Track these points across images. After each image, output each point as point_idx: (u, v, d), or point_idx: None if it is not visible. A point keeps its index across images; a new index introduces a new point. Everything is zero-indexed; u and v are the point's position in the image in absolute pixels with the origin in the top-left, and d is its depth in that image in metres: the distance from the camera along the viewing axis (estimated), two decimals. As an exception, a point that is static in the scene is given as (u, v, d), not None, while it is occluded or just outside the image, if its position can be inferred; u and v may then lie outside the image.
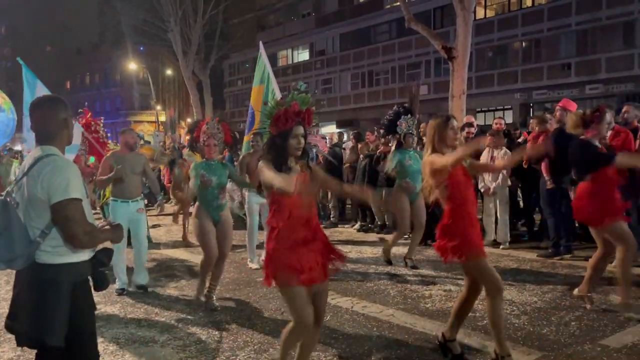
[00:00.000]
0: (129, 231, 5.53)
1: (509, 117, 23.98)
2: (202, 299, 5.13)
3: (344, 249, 7.63)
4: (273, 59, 37.06)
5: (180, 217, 8.77)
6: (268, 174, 2.91)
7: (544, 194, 6.77)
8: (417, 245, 6.68)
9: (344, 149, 10.40)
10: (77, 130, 5.77)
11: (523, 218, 8.30)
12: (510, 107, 25.86)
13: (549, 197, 6.68)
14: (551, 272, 6.07)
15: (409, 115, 6.41)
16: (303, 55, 37.38)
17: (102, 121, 8.09)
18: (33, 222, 2.39)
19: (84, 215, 2.41)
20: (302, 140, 3.02)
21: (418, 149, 6.51)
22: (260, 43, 6.93)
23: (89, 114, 7.83)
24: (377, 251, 7.49)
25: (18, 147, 14.28)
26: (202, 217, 5.03)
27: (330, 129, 29.20)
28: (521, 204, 8.23)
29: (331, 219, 10.02)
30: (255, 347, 4.05)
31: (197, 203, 5.15)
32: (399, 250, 6.86)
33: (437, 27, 25.79)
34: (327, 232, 8.95)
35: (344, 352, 3.90)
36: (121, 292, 5.58)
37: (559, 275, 5.93)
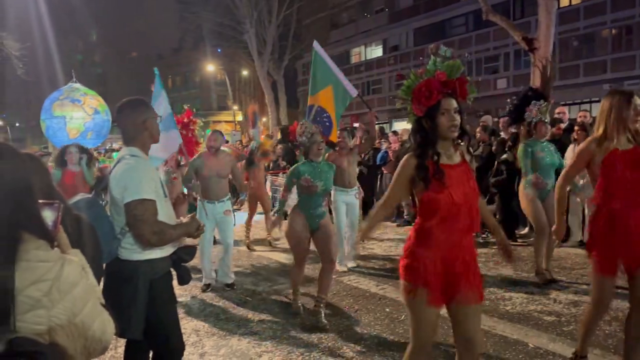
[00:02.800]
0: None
1: (596, 111, 22.49)
2: (299, 304, 4.91)
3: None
4: (346, 57, 37.10)
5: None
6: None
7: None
8: (552, 252, 5.67)
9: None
10: (174, 140, 5.76)
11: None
12: (597, 99, 24.19)
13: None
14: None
15: (541, 100, 5.56)
16: (376, 51, 37.06)
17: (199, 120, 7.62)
18: (116, 220, 2.52)
19: (154, 216, 2.47)
20: (457, 117, 2.38)
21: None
22: (315, 42, 6.45)
23: (191, 113, 7.45)
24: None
25: (116, 146, 15.08)
26: (297, 224, 4.58)
27: (404, 125, 28.82)
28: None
29: (405, 216, 9.87)
30: (330, 344, 4.07)
31: (293, 207, 4.74)
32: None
33: (516, 17, 24.68)
34: (400, 230, 8.90)
35: (420, 353, 3.82)
36: (206, 288, 5.70)
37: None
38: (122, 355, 2.82)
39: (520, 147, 5.56)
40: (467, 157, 2.54)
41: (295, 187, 4.66)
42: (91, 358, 1.43)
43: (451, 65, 2.47)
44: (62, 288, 1.31)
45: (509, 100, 5.98)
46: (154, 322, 2.53)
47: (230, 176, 5.88)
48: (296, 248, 4.69)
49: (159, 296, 2.55)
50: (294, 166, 4.70)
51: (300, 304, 4.90)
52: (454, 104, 2.40)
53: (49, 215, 1.43)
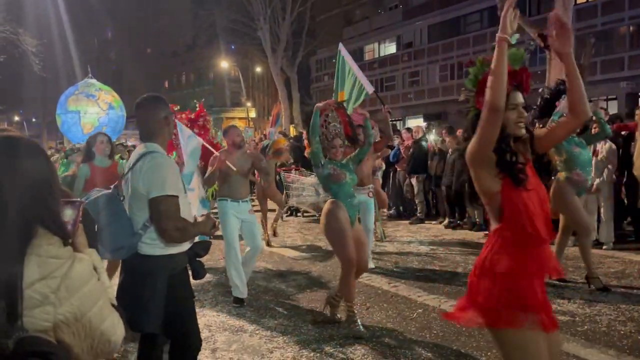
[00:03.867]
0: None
1: (613, 108, 22.16)
2: (339, 316, 4.47)
3: (432, 245, 7.49)
4: (359, 53, 36.96)
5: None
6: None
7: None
8: (589, 254, 5.25)
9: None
10: (194, 142, 5.39)
11: (629, 216, 7.65)
12: (615, 97, 23.89)
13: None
14: (663, 276, 5.54)
15: None
16: (390, 48, 36.90)
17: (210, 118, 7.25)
18: (136, 215, 2.53)
19: (177, 212, 2.50)
20: (524, 113, 2.14)
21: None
22: (341, 45, 6.38)
23: (203, 110, 7.09)
24: (466, 249, 7.26)
25: (131, 142, 15.01)
26: (338, 215, 4.13)
27: (417, 122, 28.70)
28: (625, 200, 7.59)
29: (417, 214, 9.83)
30: (341, 340, 4.07)
31: (330, 199, 4.31)
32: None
33: (532, 14, 24.39)
34: (413, 228, 8.87)
35: (432, 351, 3.81)
36: (239, 302, 5.09)
37: (672, 280, 5.40)
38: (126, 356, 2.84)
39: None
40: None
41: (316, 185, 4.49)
42: (98, 359, 1.42)
43: (514, 53, 2.15)
44: (70, 286, 1.31)
45: (540, 90, 5.77)
46: (173, 317, 2.57)
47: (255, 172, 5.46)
48: (342, 240, 4.11)
49: (178, 291, 2.59)
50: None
51: (337, 316, 4.41)
52: (521, 98, 2.15)
53: (69, 214, 1.44)
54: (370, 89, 6.19)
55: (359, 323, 4.20)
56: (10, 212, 1.28)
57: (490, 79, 1.98)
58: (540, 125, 6.31)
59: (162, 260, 2.54)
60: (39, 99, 42.84)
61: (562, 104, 4.99)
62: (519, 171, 2.06)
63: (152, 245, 2.53)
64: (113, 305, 1.46)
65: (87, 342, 1.34)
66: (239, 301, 5.08)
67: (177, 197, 2.51)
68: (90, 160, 5.08)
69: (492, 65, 1.99)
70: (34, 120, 50.84)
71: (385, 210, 8.19)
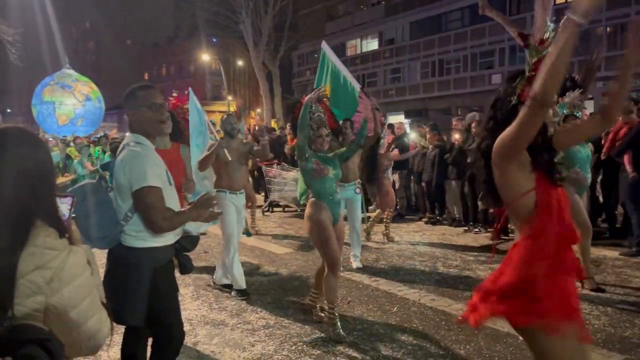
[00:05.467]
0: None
1: (589, 108, 22.58)
2: (322, 314, 4.35)
3: (412, 240, 7.56)
4: (341, 49, 36.99)
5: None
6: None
7: (628, 189, 6.36)
8: (590, 254, 5.25)
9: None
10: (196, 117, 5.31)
11: (603, 214, 7.83)
12: (591, 96, 24.36)
13: (634, 192, 6.27)
14: (635, 272, 5.69)
15: (577, 90, 4.94)
16: (372, 44, 37.01)
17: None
18: (120, 206, 2.53)
19: (162, 202, 2.49)
20: (557, 110, 2.08)
21: None
22: (324, 42, 6.22)
23: (181, 100, 6.76)
24: (446, 244, 7.35)
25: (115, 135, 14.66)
26: (323, 214, 4.03)
27: (398, 119, 28.85)
28: (601, 198, 7.77)
29: (398, 210, 9.90)
30: (322, 334, 4.10)
31: (312, 198, 4.20)
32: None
33: (512, 13, 24.72)
34: (394, 223, 8.93)
35: (412, 344, 3.86)
36: (244, 294, 5.10)
37: (643, 275, 5.56)
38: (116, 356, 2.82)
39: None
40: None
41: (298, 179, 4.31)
42: (80, 355, 1.42)
43: (534, 48, 2.05)
44: (63, 278, 1.31)
45: None
46: (156, 309, 2.55)
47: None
48: (327, 244, 4.01)
49: (162, 284, 2.57)
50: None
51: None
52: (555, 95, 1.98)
53: (62, 208, 1.44)
54: (357, 85, 6.15)
55: (339, 326, 4.05)
56: (8, 204, 1.27)
57: (550, 68, 1.75)
58: None
59: (146, 253, 2.53)
60: (15, 89, 41.95)
61: (566, 100, 4.86)
62: (557, 170, 2.01)
63: (136, 237, 2.52)
64: (102, 303, 1.46)
65: (72, 336, 1.34)
66: (244, 293, 5.08)
67: (159, 187, 2.50)
68: None
69: (556, 53, 1.74)
70: (8, 110, 49.77)
71: (390, 210, 7.81)
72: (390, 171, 8.14)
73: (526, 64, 2.04)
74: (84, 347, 1.39)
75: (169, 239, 2.60)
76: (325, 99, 4.62)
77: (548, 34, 2.10)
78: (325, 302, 4.24)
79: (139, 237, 2.52)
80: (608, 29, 24.02)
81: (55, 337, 1.25)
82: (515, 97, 2.03)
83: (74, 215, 1.53)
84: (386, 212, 7.71)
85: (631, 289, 5.05)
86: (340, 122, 5.86)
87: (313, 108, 4.21)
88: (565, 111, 4.92)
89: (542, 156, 1.99)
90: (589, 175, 5.17)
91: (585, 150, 5.23)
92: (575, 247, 5.35)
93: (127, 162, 2.49)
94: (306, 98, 4.24)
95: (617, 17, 23.13)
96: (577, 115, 5.09)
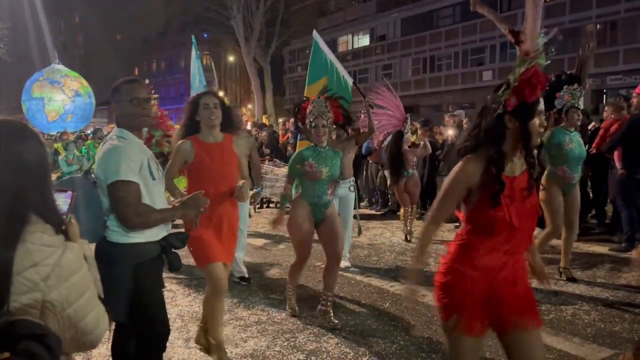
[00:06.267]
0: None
1: (580, 103, 22.75)
2: (295, 304, 4.49)
3: (404, 236, 7.57)
4: (333, 45, 36.89)
5: None
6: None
7: (618, 185, 6.42)
8: (571, 250, 5.37)
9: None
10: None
11: (593, 209, 7.90)
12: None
13: (623, 188, 6.33)
14: (625, 267, 5.75)
15: (575, 85, 5.01)
16: (363, 40, 36.98)
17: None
18: (103, 200, 2.51)
19: (136, 198, 2.44)
20: (543, 120, 2.07)
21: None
22: (315, 32, 6.16)
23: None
24: (437, 240, 7.36)
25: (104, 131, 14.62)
26: (300, 215, 4.10)
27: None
28: (591, 194, 7.83)
29: (389, 206, 9.93)
30: (315, 330, 4.10)
31: (298, 195, 4.24)
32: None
33: (503, 10, 24.80)
34: (385, 219, 8.93)
35: (404, 340, 3.87)
36: (244, 280, 5.42)
37: (633, 270, 5.61)
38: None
39: (547, 137, 4.94)
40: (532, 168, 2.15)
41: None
42: (79, 350, 1.41)
43: (521, 59, 2.06)
44: (60, 274, 1.30)
45: None
46: (138, 306, 2.51)
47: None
48: (299, 242, 4.20)
49: (143, 280, 2.52)
50: (297, 151, 4.35)
51: (295, 305, 4.46)
52: (542, 104, 2.07)
53: (61, 203, 1.43)
54: (349, 79, 6.12)
55: (332, 313, 4.19)
56: (3, 198, 1.25)
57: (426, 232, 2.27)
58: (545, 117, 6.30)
59: (126, 249, 2.49)
60: (3, 85, 41.46)
61: (564, 95, 5.01)
62: (494, 185, 2.05)
63: (118, 233, 2.49)
64: (100, 298, 1.44)
65: (70, 333, 1.33)
66: (247, 280, 5.44)
67: (135, 182, 2.44)
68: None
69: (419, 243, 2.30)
70: (-4, 106, 49.19)
71: (414, 206, 7.64)
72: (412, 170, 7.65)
73: (512, 74, 2.05)
74: (82, 342, 1.39)
75: (151, 234, 2.54)
76: (334, 96, 4.44)
77: (540, 45, 2.12)
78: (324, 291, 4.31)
79: (120, 233, 2.48)
80: (598, 26, 24.17)
81: (53, 332, 1.24)
82: (500, 106, 2.05)
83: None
84: (408, 209, 7.52)
85: (621, 284, 5.10)
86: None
87: (314, 107, 4.13)
88: (567, 103, 4.96)
89: (491, 170, 2.04)
90: (577, 175, 5.03)
91: (580, 150, 5.03)
92: (558, 242, 5.46)
93: (103, 156, 2.48)
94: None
95: (607, 14, 23.29)
96: (578, 106, 5.04)
